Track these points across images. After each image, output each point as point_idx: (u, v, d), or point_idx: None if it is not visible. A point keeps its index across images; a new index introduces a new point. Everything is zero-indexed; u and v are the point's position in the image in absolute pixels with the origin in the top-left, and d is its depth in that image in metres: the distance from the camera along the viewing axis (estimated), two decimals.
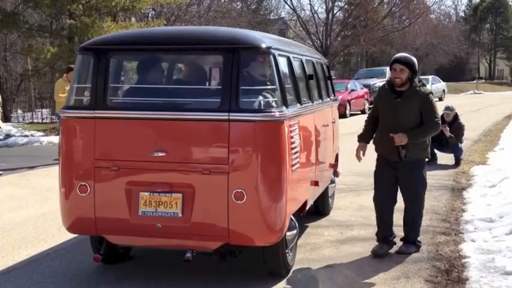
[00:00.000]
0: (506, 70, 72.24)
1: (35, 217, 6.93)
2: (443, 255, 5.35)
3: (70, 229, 4.69)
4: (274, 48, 4.47)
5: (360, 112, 22.63)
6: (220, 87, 4.43)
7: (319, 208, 6.64)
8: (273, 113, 4.23)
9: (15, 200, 7.95)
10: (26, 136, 15.96)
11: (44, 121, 21.76)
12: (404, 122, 5.11)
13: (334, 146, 6.80)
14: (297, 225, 4.85)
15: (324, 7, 41.13)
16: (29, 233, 6.24)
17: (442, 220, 6.56)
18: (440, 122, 5.26)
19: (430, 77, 33.85)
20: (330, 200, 6.94)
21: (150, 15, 26.41)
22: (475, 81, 52.45)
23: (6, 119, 22.01)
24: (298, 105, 4.90)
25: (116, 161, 4.37)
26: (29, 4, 18.84)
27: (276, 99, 4.34)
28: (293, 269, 4.96)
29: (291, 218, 4.64)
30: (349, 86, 22.87)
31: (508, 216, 6.25)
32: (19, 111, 25.50)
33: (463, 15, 71.89)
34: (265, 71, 4.50)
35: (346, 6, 42.87)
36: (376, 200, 5.44)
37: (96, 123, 4.41)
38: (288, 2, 40.37)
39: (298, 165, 4.64)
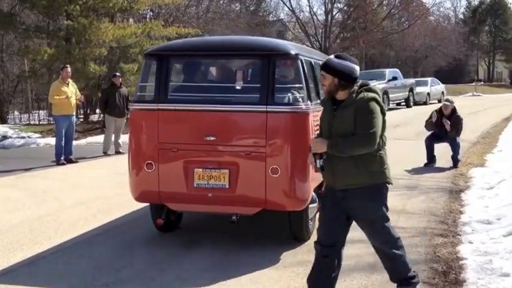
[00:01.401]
0: (505, 72, 72.35)
1: (31, 219, 6.92)
2: (441, 257, 5.33)
3: (138, 198, 5.71)
4: (300, 55, 5.52)
5: None
6: (259, 85, 5.36)
7: None
8: (300, 106, 5.28)
9: (12, 202, 7.93)
10: (23, 138, 15.88)
11: (40, 123, 21.58)
12: None
13: None
14: (317, 199, 5.59)
15: (323, 9, 41.06)
16: (25, 235, 6.22)
17: (439, 222, 6.56)
18: (377, 138, 3.81)
19: (429, 79, 34.00)
20: None
21: (148, 16, 26.35)
22: (473, 84, 52.49)
23: (3, 120, 21.95)
24: (318, 100, 5.60)
25: (175, 144, 5.40)
26: (26, 5, 18.81)
27: (302, 95, 5.36)
28: (291, 270, 4.98)
29: (313, 194, 5.49)
30: None
31: (506, 218, 6.25)
32: (16, 112, 25.35)
33: (462, 17, 71.94)
34: (294, 73, 5.51)
35: (345, 8, 42.85)
36: (318, 248, 4.19)
37: (160, 114, 5.42)
38: (287, 4, 40.34)
39: None
